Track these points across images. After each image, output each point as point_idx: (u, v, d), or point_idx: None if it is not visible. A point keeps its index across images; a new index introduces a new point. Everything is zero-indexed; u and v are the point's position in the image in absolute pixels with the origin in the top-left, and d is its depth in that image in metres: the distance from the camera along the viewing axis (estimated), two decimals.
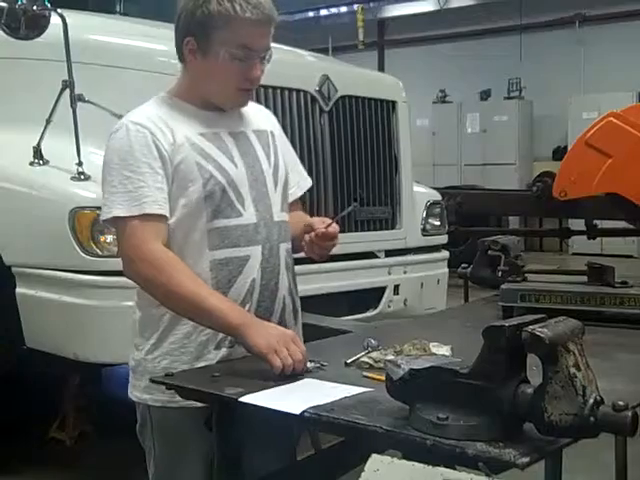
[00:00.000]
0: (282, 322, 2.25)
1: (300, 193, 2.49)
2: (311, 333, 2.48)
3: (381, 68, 16.05)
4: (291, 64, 4.49)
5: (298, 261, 2.38)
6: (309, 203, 3.83)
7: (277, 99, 4.08)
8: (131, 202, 2.07)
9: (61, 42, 3.53)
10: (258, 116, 2.39)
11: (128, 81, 2.83)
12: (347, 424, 1.60)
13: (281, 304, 2.27)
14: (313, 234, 2.30)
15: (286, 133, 4.08)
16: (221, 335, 2.13)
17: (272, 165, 2.29)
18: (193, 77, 2.23)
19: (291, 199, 2.41)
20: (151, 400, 2.17)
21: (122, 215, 2.07)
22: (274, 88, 4.06)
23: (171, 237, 2.13)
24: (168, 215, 2.11)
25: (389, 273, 4.61)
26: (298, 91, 4.18)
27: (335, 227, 2.32)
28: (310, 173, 4.18)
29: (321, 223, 2.32)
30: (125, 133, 2.13)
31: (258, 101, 3.95)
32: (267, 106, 4.01)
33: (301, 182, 2.51)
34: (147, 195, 2.07)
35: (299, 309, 2.39)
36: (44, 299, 3.57)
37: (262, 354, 1.96)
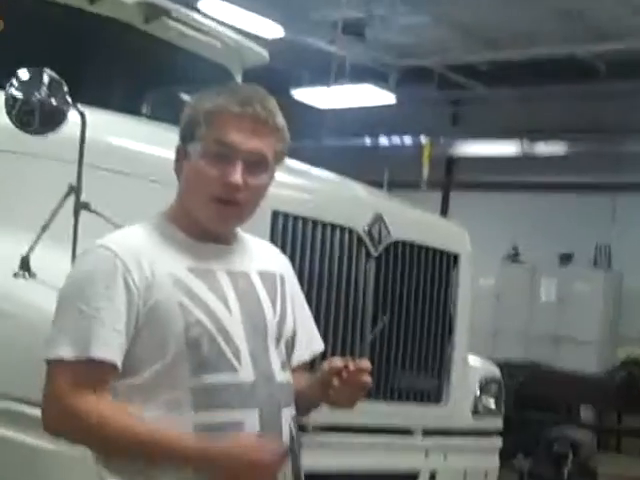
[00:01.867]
0: None
1: (309, 357, 2.41)
2: None
3: (444, 212, 16.20)
4: (338, 197, 4.49)
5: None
6: None
7: (317, 235, 4.06)
8: (78, 342, 2.01)
9: (72, 140, 3.56)
10: (266, 255, 2.34)
11: (141, 191, 2.84)
12: None
13: None
14: (344, 372, 2.18)
15: (323, 276, 4.12)
16: None
17: (278, 314, 2.22)
18: (179, 192, 2.23)
19: (297, 362, 2.33)
20: None
21: (66, 357, 2.02)
22: (315, 222, 4.06)
23: (142, 395, 2.06)
24: (118, 363, 2.05)
25: (426, 456, 4.49)
26: (343, 229, 4.16)
27: (366, 361, 2.24)
28: (346, 327, 4.18)
29: (341, 363, 2.22)
30: (91, 259, 2.11)
31: (294, 235, 3.99)
32: (304, 242, 4.01)
33: (312, 344, 2.42)
34: (97, 335, 2.01)
35: None
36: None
37: None
